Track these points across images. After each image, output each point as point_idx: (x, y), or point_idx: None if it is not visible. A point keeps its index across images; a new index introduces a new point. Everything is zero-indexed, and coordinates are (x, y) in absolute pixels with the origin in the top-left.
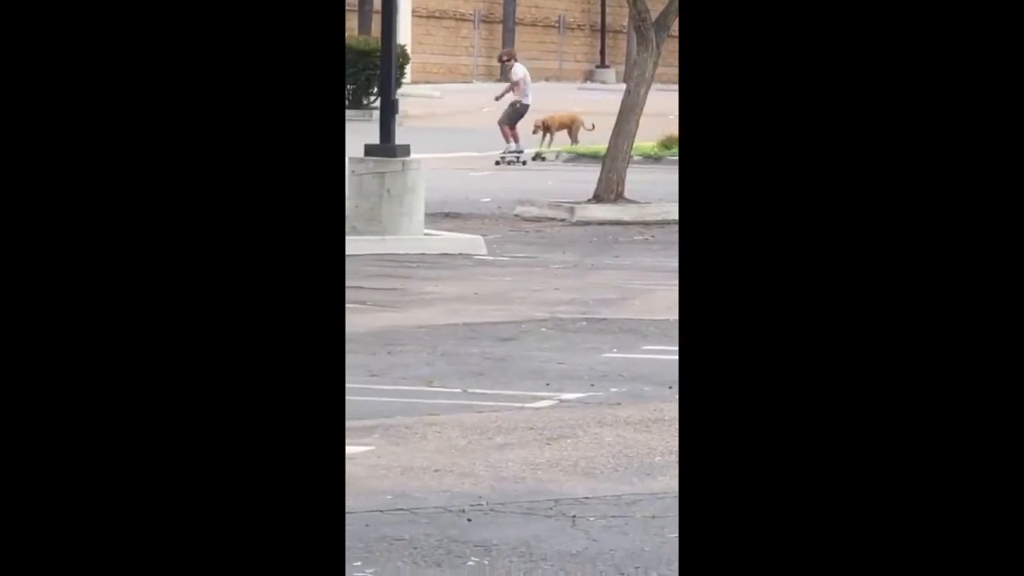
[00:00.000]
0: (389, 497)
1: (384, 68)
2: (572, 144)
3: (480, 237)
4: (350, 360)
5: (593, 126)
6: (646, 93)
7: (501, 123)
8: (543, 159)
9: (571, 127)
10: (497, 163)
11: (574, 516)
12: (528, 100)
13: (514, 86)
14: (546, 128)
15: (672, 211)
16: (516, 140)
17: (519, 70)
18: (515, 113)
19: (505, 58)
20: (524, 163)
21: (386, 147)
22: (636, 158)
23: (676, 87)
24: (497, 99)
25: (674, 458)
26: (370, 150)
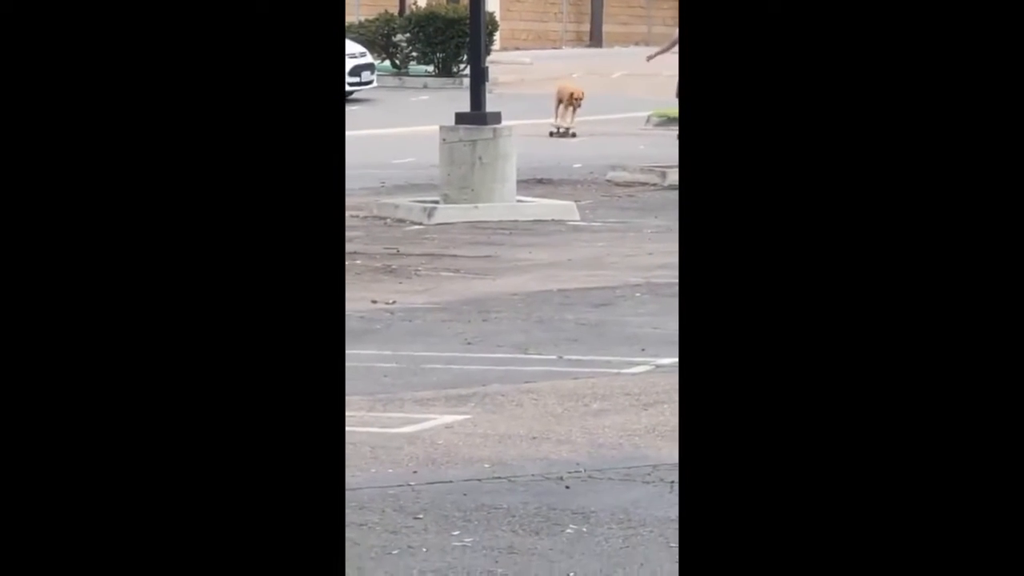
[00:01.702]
0: (487, 466)
1: (474, 35)
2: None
3: (572, 203)
4: (447, 328)
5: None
6: None
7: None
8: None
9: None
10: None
11: (672, 482)
12: None
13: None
14: (560, 100)
15: None
16: None
17: None
18: None
19: None
20: None
21: (477, 115)
22: None
23: None
24: (649, 59)
25: None
26: (461, 118)
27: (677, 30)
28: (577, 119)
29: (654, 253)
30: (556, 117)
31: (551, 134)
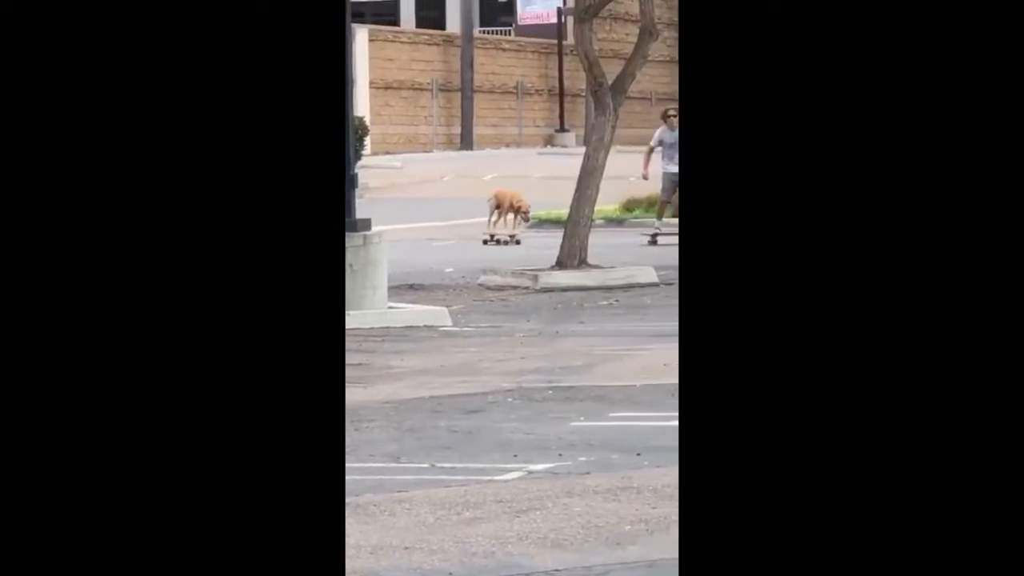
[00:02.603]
0: None
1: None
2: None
3: (444, 308)
4: None
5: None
6: (605, 157)
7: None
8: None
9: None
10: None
11: None
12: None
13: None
14: (498, 207)
15: (636, 275)
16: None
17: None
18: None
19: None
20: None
21: (346, 222)
22: (598, 222)
23: (634, 149)
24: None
25: (643, 527)
26: None
27: (654, 138)
28: (451, 222)
29: (526, 357)
30: (490, 225)
31: (484, 242)
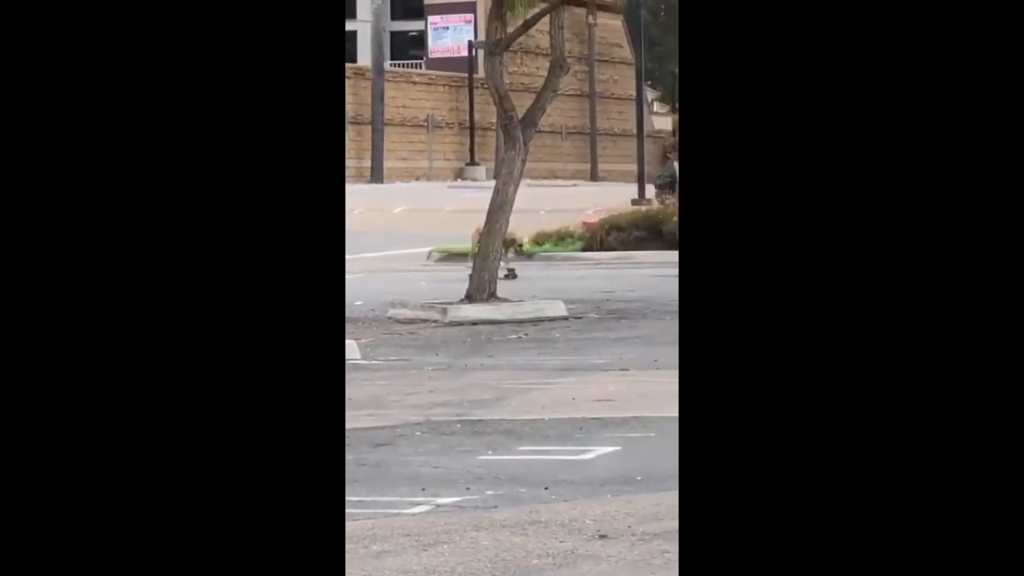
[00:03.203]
0: None
1: None
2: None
3: (353, 342)
4: None
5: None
6: (515, 191)
7: None
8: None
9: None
10: None
11: None
12: None
13: None
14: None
15: (545, 308)
16: None
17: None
18: None
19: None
20: None
21: None
22: (508, 256)
23: (544, 183)
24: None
25: (550, 560)
26: None
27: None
28: (360, 255)
29: (435, 391)
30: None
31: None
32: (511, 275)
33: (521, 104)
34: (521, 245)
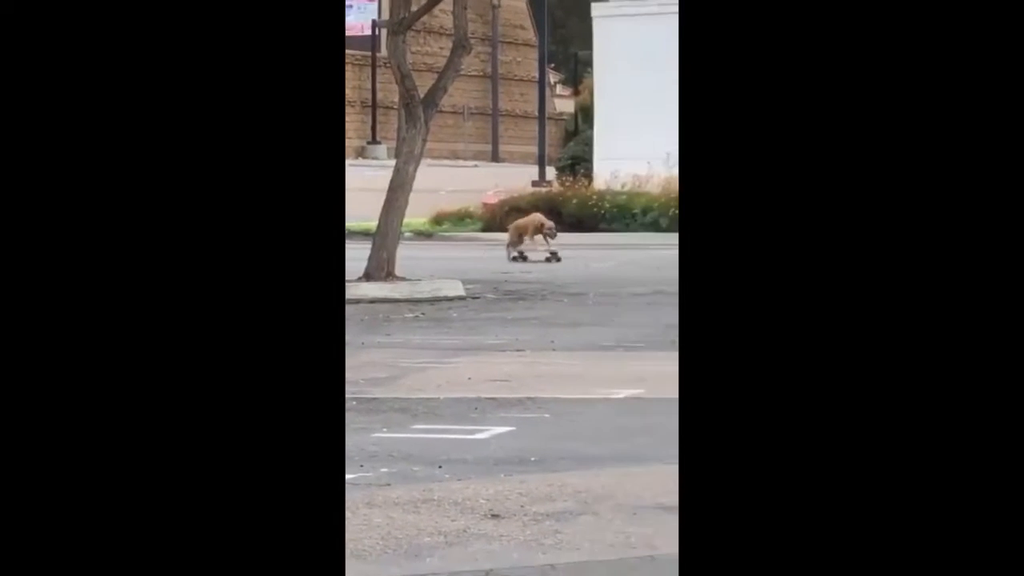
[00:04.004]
0: None
1: None
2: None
3: None
4: None
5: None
6: (415, 170)
7: None
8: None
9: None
10: None
11: None
12: None
13: None
14: (520, 233)
15: (443, 287)
16: None
17: None
18: None
19: None
20: None
21: None
22: (407, 235)
23: (445, 163)
24: None
25: (443, 539)
26: None
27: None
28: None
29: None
30: (510, 247)
31: (514, 259)
32: (554, 258)
33: (424, 84)
34: (552, 229)
